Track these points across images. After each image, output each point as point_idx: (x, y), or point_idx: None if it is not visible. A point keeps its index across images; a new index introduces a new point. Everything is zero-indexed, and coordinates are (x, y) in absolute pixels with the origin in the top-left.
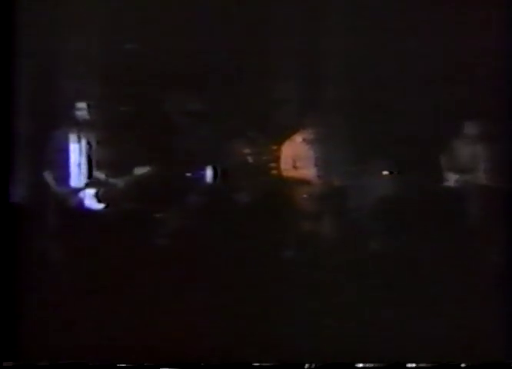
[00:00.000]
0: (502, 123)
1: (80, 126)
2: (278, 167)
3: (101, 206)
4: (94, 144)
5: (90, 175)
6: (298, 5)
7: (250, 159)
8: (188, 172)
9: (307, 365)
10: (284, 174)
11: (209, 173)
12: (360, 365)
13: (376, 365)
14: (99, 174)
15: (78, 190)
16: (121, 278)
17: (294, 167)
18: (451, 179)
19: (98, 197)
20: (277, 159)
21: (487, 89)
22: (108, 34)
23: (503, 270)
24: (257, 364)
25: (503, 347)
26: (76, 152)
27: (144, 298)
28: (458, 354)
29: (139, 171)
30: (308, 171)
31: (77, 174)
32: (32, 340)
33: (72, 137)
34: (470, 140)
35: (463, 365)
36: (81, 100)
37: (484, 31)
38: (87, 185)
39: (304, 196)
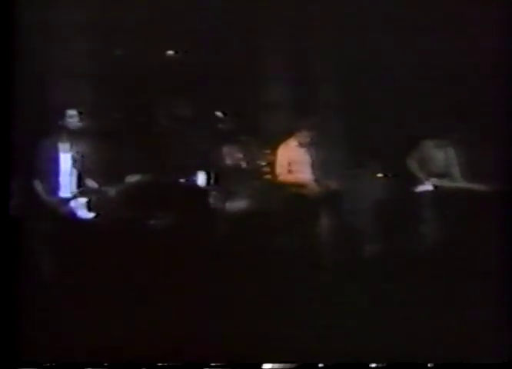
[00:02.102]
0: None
1: (71, 134)
2: (273, 172)
3: (91, 215)
4: (85, 152)
5: (80, 184)
6: (292, 8)
7: (244, 164)
8: (182, 178)
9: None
10: (280, 178)
11: (202, 178)
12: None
13: (375, 365)
14: (90, 183)
15: (69, 199)
16: (115, 283)
17: (290, 171)
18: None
19: (89, 206)
20: (272, 163)
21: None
22: (98, 42)
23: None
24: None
25: (503, 347)
26: (67, 161)
27: (139, 302)
28: (457, 354)
29: (131, 178)
30: (304, 175)
31: (67, 183)
32: (31, 342)
33: (63, 146)
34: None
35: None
36: (71, 108)
37: (480, 32)
38: (77, 194)
39: (300, 200)
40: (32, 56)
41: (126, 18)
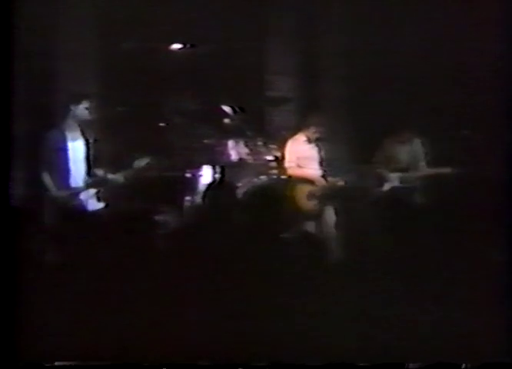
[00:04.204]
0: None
1: (79, 125)
2: (281, 167)
3: (100, 205)
4: (92, 142)
5: (90, 174)
6: (300, 2)
7: (250, 159)
8: (187, 172)
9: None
10: (288, 173)
11: (208, 173)
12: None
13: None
14: (99, 172)
15: (78, 190)
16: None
17: (298, 166)
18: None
19: (98, 197)
20: (280, 158)
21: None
22: (106, 34)
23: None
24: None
25: (504, 347)
26: (75, 151)
27: (146, 298)
28: (458, 354)
29: (140, 162)
30: (312, 171)
31: (76, 174)
32: (32, 341)
33: (71, 136)
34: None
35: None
36: (80, 99)
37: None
38: (88, 185)
39: (308, 194)
40: (42, 49)
41: (133, 12)
